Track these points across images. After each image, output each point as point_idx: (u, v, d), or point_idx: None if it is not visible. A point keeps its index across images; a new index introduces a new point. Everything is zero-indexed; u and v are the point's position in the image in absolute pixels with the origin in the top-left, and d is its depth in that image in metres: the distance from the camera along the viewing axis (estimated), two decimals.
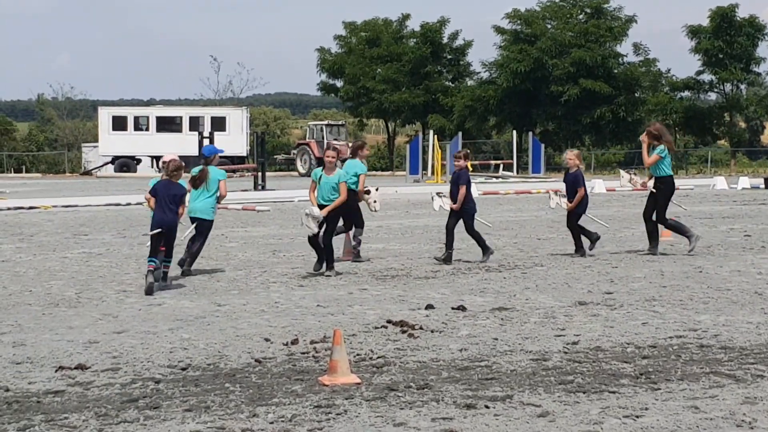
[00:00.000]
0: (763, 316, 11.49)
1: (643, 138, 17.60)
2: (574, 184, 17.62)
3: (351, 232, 17.35)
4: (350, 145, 17.75)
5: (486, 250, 16.93)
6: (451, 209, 16.89)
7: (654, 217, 17.53)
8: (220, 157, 17.73)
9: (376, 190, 17.75)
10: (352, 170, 17.19)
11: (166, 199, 13.97)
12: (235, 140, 69.09)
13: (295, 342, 10.11)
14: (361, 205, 17.50)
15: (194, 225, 15.75)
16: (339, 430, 7.01)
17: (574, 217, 17.56)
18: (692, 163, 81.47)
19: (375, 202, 17.58)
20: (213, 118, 70.64)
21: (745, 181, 47.10)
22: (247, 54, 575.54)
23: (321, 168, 15.83)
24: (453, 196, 16.96)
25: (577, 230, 17.49)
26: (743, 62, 74.47)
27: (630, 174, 18.91)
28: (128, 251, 19.01)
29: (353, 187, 16.90)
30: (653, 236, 17.59)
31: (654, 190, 17.52)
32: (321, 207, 15.16)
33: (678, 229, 17.70)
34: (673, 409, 7.47)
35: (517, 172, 62.84)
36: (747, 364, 8.97)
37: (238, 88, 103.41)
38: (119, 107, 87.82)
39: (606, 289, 13.74)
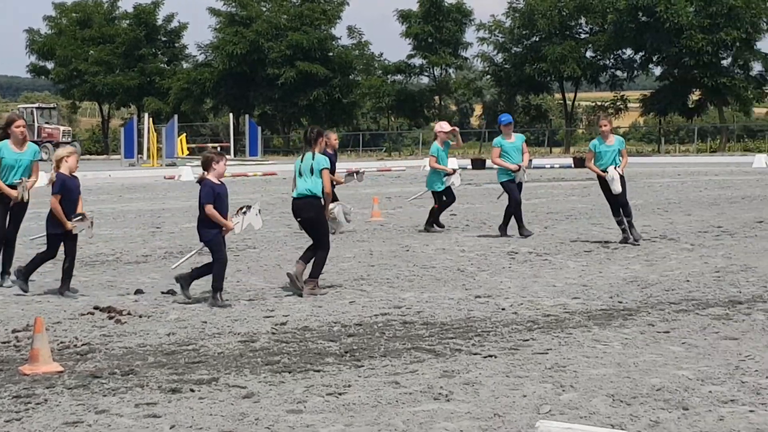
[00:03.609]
0: (464, 292, 11.94)
1: None
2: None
3: None
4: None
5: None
6: None
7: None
8: None
9: None
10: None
11: None
12: None
13: None
14: None
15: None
16: (38, 420, 6.84)
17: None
18: (406, 144, 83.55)
19: None
20: None
21: (453, 162, 48.68)
22: None
23: None
24: None
25: None
26: (451, 47, 76.91)
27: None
28: None
29: None
30: None
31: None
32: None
33: None
34: (374, 385, 7.66)
35: (235, 155, 62.73)
36: (447, 338, 9.30)
37: None
38: None
39: None
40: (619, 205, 16.32)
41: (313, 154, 12.19)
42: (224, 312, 10.78)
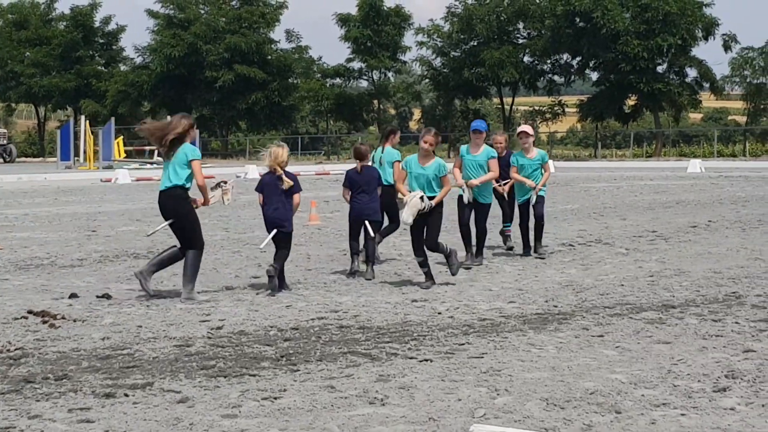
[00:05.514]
0: (400, 296, 11.97)
1: None
2: None
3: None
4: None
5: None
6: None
7: None
8: None
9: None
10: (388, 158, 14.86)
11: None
12: None
13: None
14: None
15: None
16: None
17: None
18: (345, 148, 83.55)
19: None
20: None
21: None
22: None
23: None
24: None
25: None
26: (390, 51, 77.11)
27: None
28: None
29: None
30: None
31: None
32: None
33: None
34: (310, 389, 7.66)
35: None
36: (383, 342, 9.31)
37: None
38: None
39: (253, 273, 13.92)
40: (422, 241, 12.96)
41: (383, 148, 14.66)
42: (160, 316, 10.73)
